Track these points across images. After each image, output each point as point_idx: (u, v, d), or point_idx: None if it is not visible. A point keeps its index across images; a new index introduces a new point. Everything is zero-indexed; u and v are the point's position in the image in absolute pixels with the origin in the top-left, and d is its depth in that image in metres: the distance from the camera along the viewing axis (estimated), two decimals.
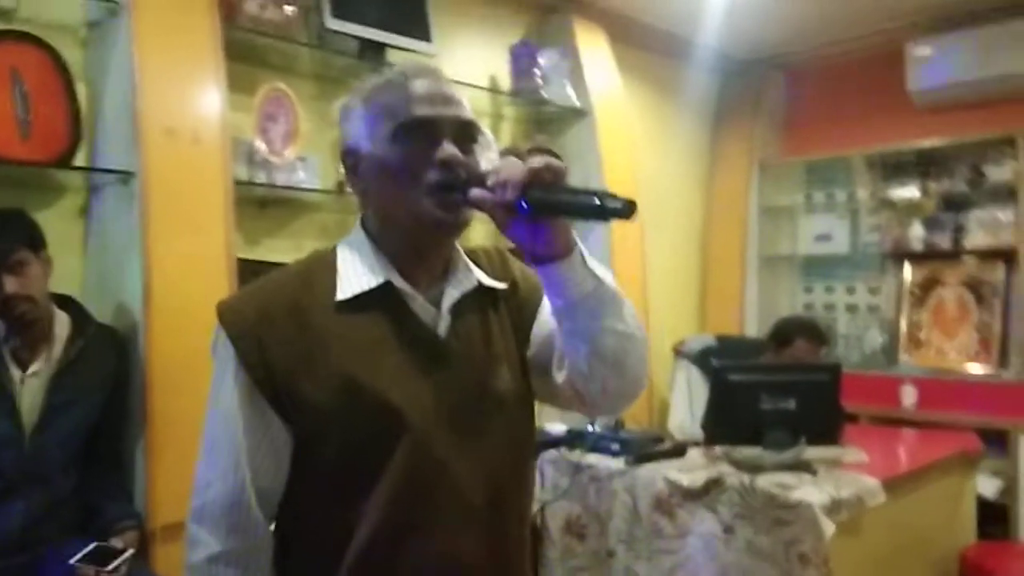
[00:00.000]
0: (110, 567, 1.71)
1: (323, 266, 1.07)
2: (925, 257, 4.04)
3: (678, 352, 3.39)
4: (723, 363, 2.49)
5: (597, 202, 0.91)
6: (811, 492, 2.11)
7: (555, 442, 2.61)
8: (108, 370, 2.04)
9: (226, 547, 1.01)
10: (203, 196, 2.24)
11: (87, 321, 2.04)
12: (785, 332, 2.94)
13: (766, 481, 2.18)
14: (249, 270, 2.36)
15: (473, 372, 1.06)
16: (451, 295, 1.07)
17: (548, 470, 2.57)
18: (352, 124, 1.07)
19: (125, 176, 2.15)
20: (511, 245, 1.04)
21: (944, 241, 3.93)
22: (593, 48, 3.52)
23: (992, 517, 3.26)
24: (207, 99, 2.28)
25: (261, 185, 2.54)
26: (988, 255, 3.84)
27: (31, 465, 1.85)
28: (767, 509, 2.13)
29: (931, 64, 3.83)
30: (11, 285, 1.83)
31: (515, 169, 0.95)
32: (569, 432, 2.63)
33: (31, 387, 1.89)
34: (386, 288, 1.04)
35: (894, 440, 3.13)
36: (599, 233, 3.25)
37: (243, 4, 2.45)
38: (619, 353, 1.03)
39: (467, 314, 1.09)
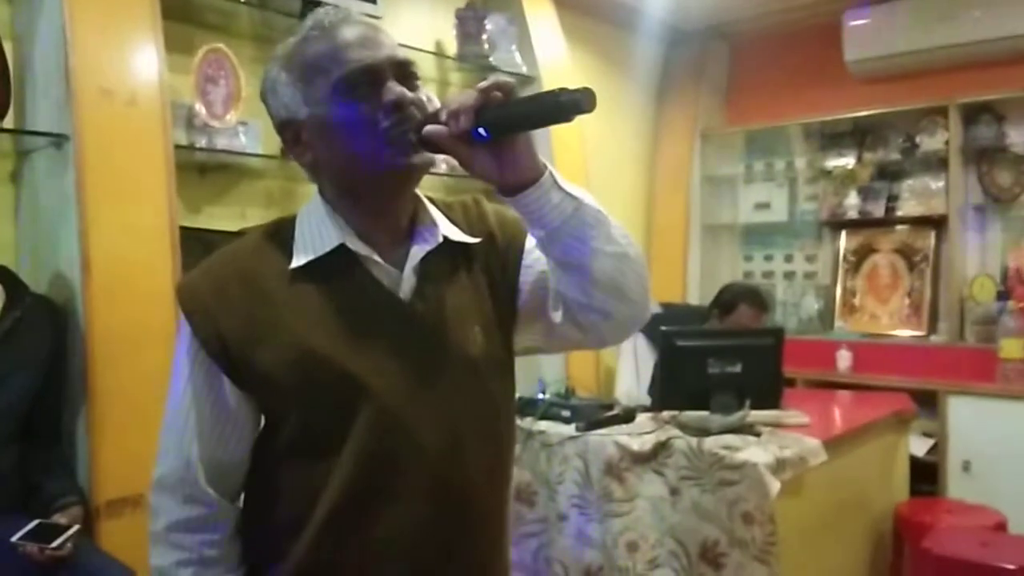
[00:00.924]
0: (54, 544, 1.66)
1: (281, 234, 1.04)
2: (860, 225, 4.16)
3: None
4: (671, 329, 2.53)
5: (556, 99, 0.87)
6: (756, 453, 2.17)
7: None
8: (45, 342, 1.96)
9: (181, 516, 1.01)
10: (142, 161, 2.16)
11: (22, 291, 1.96)
12: (729, 299, 3.01)
13: (712, 443, 2.23)
14: (192, 239, 2.29)
15: (440, 335, 1.03)
16: (415, 255, 1.03)
17: None
18: (280, 95, 1.01)
19: (59, 139, 2.06)
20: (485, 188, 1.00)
21: (878, 209, 4.04)
22: (540, 14, 3.50)
23: (923, 475, 3.41)
24: (144, 58, 2.19)
25: (201, 150, 2.46)
26: (919, 223, 3.97)
27: None
28: (713, 470, 2.18)
29: (867, 35, 3.91)
30: None
31: (464, 96, 0.91)
32: (520, 399, 2.65)
33: None
34: (342, 252, 1.00)
35: (831, 402, 3.24)
36: None
37: None
38: (615, 275, 0.98)
39: (435, 274, 1.04)
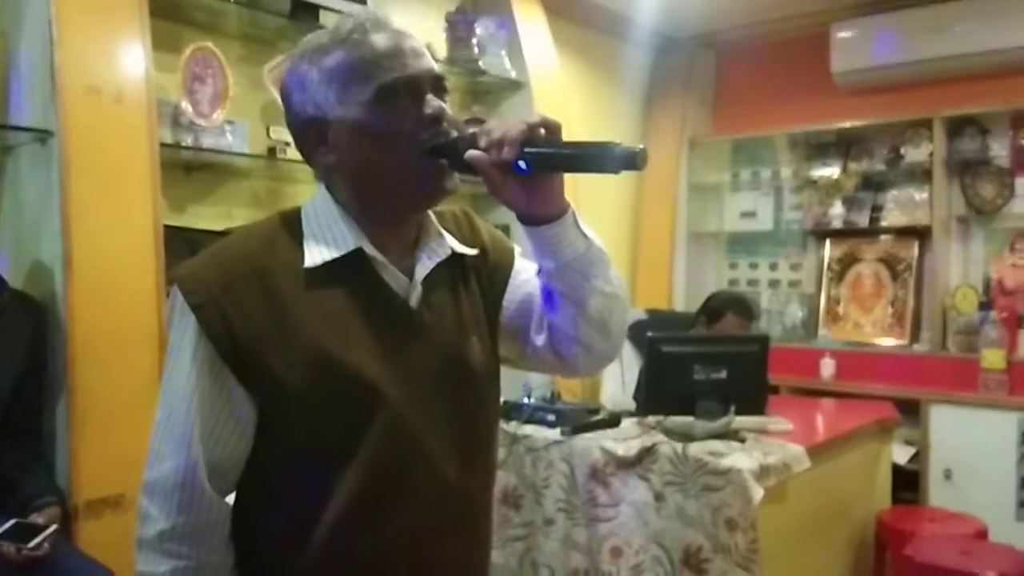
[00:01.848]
0: (31, 544, 1.64)
1: (286, 229, 1.01)
2: (844, 234, 4.18)
3: None
4: (657, 335, 2.53)
5: (610, 150, 0.88)
6: (741, 459, 2.18)
7: None
8: (25, 338, 1.95)
9: (177, 523, 0.94)
10: (127, 159, 2.14)
11: (1, 287, 1.94)
12: (717, 307, 3.01)
13: (697, 449, 2.23)
14: (176, 238, 2.28)
15: (445, 344, 1.03)
16: (425, 264, 1.03)
17: None
18: (309, 92, 0.98)
19: (43, 135, 2.04)
20: (486, 209, 1.01)
21: (862, 219, 4.07)
22: (530, 19, 3.50)
23: (905, 483, 3.43)
24: (131, 56, 2.17)
25: (187, 148, 2.44)
26: (903, 233, 4.00)
27: None
28: (697, 476, 2.18)
29: (854, 47, 3.94)
30: None
31: (509, 127, 0.92)
32: (505, 404, 2.64)
33: None
34: (357, 256, 0.98)
35: (815, 410, 3.25)
36: None
37: None
38: (606, 313, 1.02)
39: (438, 283, 1.04)
